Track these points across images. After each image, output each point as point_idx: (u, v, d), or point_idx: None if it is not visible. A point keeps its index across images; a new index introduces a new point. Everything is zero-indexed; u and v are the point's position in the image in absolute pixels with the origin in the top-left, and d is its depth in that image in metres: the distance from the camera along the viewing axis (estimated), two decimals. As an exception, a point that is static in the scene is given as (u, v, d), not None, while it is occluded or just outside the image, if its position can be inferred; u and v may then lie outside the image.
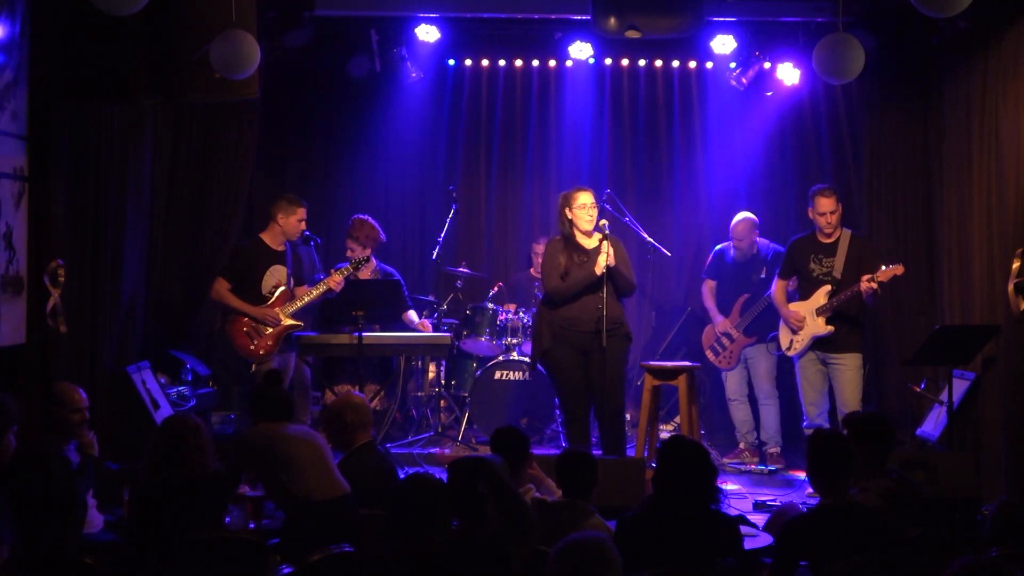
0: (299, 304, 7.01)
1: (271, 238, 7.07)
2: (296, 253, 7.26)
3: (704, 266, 8.20)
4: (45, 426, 4.93)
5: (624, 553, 3.19)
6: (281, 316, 6.96)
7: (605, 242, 6.34)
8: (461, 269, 8.60)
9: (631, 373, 7.56)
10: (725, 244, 8.05)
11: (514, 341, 8.03)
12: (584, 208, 6.41)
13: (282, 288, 7.01)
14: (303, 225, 7.12)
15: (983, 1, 5.59)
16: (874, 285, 6.74)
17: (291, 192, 7.49)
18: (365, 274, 7.73)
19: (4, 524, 4.01)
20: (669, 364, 7.09)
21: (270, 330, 6.93)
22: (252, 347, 6.92)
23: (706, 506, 3.88)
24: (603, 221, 6.45)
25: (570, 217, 6.46)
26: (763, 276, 7.75)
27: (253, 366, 6.95)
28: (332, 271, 7.18)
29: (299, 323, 7.05)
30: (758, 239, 7.89)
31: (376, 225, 7.87)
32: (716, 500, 3.92)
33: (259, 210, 8.29)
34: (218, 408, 7.36)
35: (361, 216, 7.91)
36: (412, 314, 7.80)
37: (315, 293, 7.03)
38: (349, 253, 7.68)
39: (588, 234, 6.42)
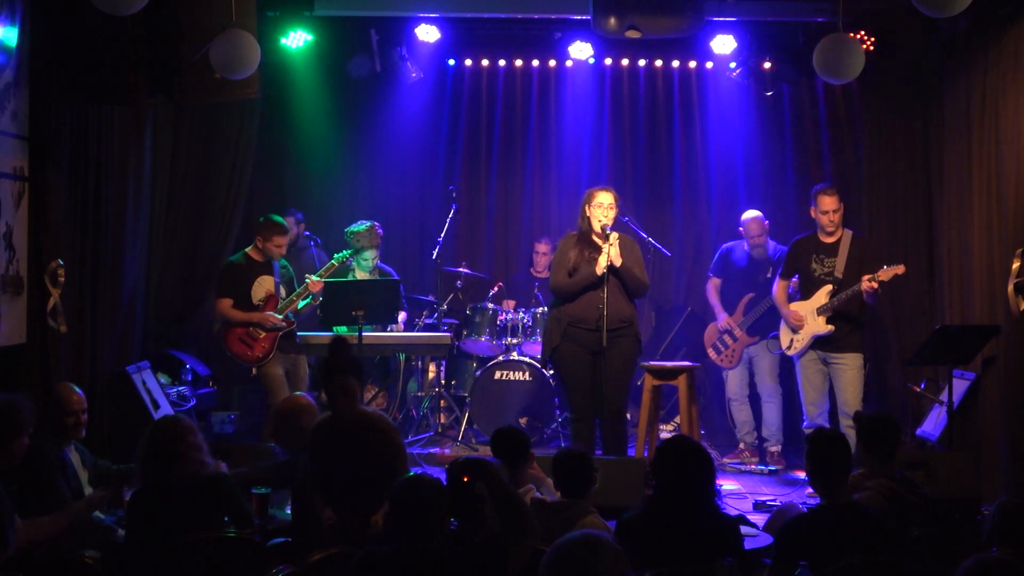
0: (292, 306, 7.12)
1: (255, 253, 7.16)
2: (289, 261, 7.35)
3: (705, 265, 8.20)
4: (42, 427, 4.92)
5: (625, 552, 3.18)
6: (276, 316, 7.06)
7: (606, 243, 6.35)
8: (461, 269, 8.60)
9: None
10: (732, 243, 8.04)
11: (514, 341, 8.03)
12: (601, 207, 6.44)
13: (271, 296, 7.12)
14: (282, 251, 7.20)
15: (983, 1, 5.59)
16: (874, 285, 6.73)
17: (267, 215, 7.44)
18: (363, 273, 7.74)
19: (5, 518, 4.03)
20: (669, 364, 7.09)
21: (263, 333, 7.03)
22: (249, 353, 7.05)
23: (706, 506, 3.88)
24: (603, 222, 6.45)
25: (588, 215, 6.49)
26: (768, 276, 7.75)
27: (253, 370, 7.07)
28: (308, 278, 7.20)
29: (293, 321, 7.13)
30: (768, 239, 7.90)
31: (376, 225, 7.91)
32: (715, 500, 3.93)
33: (258, 211, 8.29)
34: (218, 408, 7.36)
35: (366, 223, 7.89)
36: (401, 314, 7.81)
37: (298, 299, 7.14)
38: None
39: (600, 234, 6.43)
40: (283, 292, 7.18)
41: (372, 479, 4.27)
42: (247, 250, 7.20)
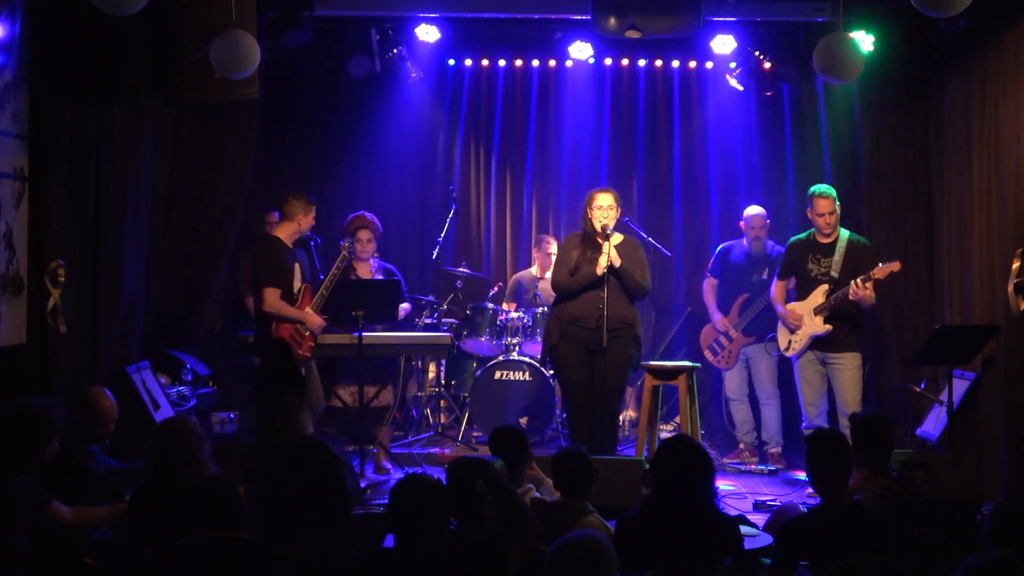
0: (321, 300, 6.90)
1: (287, 236, 6.83)
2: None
3: (705, 265, 8.20)
4: (70, 428, 4.92)
5: (624, 553, 3.19)
6: (321, 319, 6.85)
7: (606, 243, 6.37)
8: (461, 269, 8.60)
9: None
10: (730, 243, 8.04)
11: (514, 341, 8.03)
12: (601, 209, 6.47)
13: (305, 285, 6.91)
14: (312, 223, 6.99)
15: (983, 1, 5.59)
16: (863, 292, 6.70)
17: (296, 192, 7.35)
18: (366, 273, 7.65)
19: (20, 518, 4.06)
20: (669, 364, 7.09)
21: (307, 331, 6.81)
22: (299, 350, 6.69)
23: (705, 506, 3.88)
24: (604, 223, 6.46)
25: (589, 216, 6.53)
26: (764, 277, 7.75)
27: (303, 369, 6.81)
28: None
29: (327, 318, 6.95)
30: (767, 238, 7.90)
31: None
32: (715, 500, 3.93)
33: (259, 210, 8.28)
34: (218, 408, 7.36)
35: (363, 212, 7.81)
36: (405, 306, 7.71)
37: (328, 285, 6.95)
38: (366, 245, 7.52)
39: (601, 234, 6.46)
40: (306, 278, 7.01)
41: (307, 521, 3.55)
42: (275, 234, 6.85)
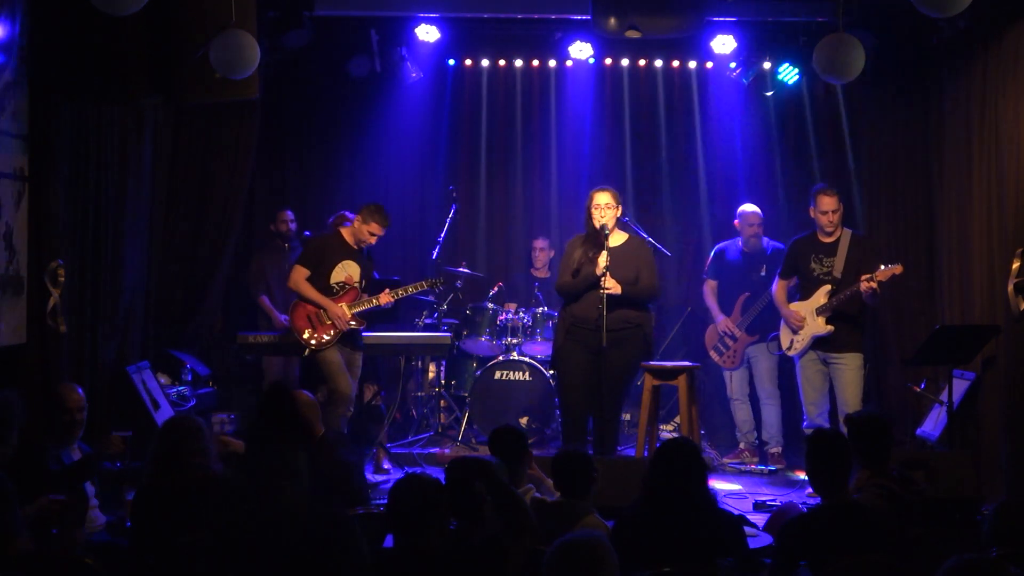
0: (367, 306, 6.94)
1: (349, 235, 6.99)
2: (281, 260, 7.23)
3: (704, 266, 8.20)
4: (44, 427, 4.92)
5: (623, 553, 3.19)
6: (349, 315, 6.87)
7: (605, 243, 6.37)
8: (461, 269, 8.60)
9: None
10: (725, 243, 8.05)
11: (514, 341, 8.03)
12: (599, 208, 6.47)
13: (354, 285, 6.95)
14: (372, 240, 6.96)
15: (983, 1, 5.59)
16: (873, 285, 6.72)
17: (372, 201, 7.24)
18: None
19: (17, 515, 4.04)
20: (669, 364, 7.08)
21: (330, 322, 6.85)
22: (308, 334, 6.82)
23: (703, 506, 3.88)
24: (603, 222, 6.46)
25: (591, 216, 6.54)
26: (763, 274, 7.75)
27: (307, 351, 6.86)
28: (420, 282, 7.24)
29: (362, 322, 6.95)
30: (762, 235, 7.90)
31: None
32: (712, 500, 3.93)
33: (258, 211, 8.28)
34: (218, 408, 7.35)
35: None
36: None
37: (384, 300, 6.97)
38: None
39: (600, 233, 6.46)
40: (365, 283, 7.02)
41: None
42: (340, 229, 7.05)
